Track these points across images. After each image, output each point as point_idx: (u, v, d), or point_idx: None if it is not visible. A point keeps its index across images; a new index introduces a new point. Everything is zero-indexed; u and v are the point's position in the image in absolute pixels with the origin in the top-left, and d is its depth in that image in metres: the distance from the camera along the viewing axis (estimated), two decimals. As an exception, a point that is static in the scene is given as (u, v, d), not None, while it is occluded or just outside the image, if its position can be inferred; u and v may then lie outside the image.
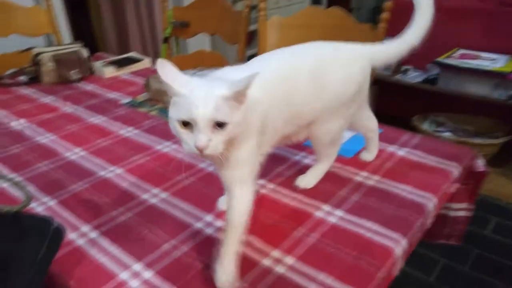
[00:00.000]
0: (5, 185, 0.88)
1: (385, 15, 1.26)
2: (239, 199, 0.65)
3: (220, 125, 0.56)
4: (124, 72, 1.62)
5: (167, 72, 0.57)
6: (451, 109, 2.33)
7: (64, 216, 0.79)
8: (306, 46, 0.78)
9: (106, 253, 0.69)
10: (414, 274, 1.54)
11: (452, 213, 1.03)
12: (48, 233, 0.56)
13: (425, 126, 2.30)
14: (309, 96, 0.73)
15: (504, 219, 1.82)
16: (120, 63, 1.65)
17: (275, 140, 0.75)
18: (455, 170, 0.89)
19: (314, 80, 0.73)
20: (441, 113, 2.35)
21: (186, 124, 0.56)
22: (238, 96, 0.56)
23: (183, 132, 0.57)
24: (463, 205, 1.02)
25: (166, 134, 1.09)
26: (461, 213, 1.03)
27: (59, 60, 1.51)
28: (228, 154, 0.61)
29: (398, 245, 0.69)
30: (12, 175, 0.93)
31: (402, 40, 0.84)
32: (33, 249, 0.55)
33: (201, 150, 0.55)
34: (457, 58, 2.20)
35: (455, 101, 2.27)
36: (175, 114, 0.57)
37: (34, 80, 1.55)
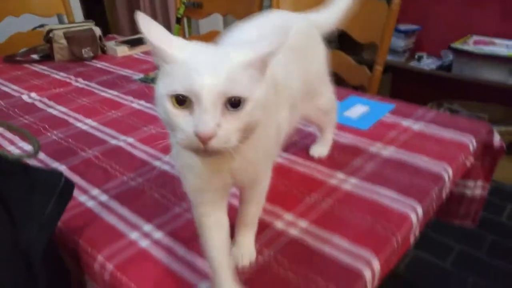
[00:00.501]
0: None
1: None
2: (263, 190, 0.58)
3: (234, 104, 0.40)
4: (137, 52, 1.61)
5: (154, 31, 0.42)
6: (466, 96, 2.29)
7: (74, 180, 0.77)
8: (274, 17, 0.67)
9: (116, 215, 0.68)
10: (429, 259, 1.52)
11: (468, 192, 1.01)
12: (58, 187, 0.55)
13: (439, 113, 2.26)
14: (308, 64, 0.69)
15: (520, 206, 1.79)
16: (133, 43, 1.64)
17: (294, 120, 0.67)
18: (471, 142, 0.87)
19: (304, 52, 0.69)
20: (455, 100, 2.31)
21: (181, 102, 0.40)
22: (263, 62, 0.42)
23: (176, 114, 0.40)
24: (479, 182, 1.00)
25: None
26: (477, 192, 1.01)
27: (71, 38, 1.51)
28: (244, 148, 0.43)
29: (413, 212, 0.67)
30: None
31: (336, 8, 0.79)
32: (42, 202, 0.54)
33: (204, 140, 0.39)
34: (471, 44, 2.16)
35: (470, 88, 2.23)
36: (165, 87, 0.41)
37: (47, 57, 1.55)
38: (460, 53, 2.14)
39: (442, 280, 1.44)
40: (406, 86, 2.45)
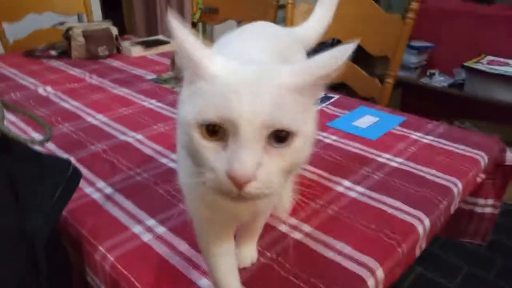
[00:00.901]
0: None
1: (414, 5, 1.22)
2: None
3: (280, 138, 0.33)
4: (151, 53, 1.63)
5: (190, 38, 0.35)
6: (477, 115, 2.27)
7: (81, 171, 0.78)
8: (260, 27, 0.60)
9: (120, 208, 0.68)
10: (435, 279, 1.49)
11: (479, 210, 0.99)
12: (66, 175, 0.55)
13: (450, 132, 2.24)
14: None
15: (531, 229, 1.76)
16: (148, 44, 1.66)
17: None
18: (482, 159, 0.85)
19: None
20: (467, 119, 2.29)
21: (213, 131, 0.33)
22: (316, 87, 0.35)
23: (205, 147, 0.33)
24: (490, 201, 0.98)
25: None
26: (488, 210, 0.99)
27: (88, 36, 1.53)
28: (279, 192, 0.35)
29: (421, 224, 0.66)
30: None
31: (320, 22, 0.72)
32: (50, 190, 0.54)
33: (240, 183, 0.31)
34: (485, 63, 2.15)
35: (482, 107, 2.21)
36: (194, 113, 0.33)
37: (64, 54, 1.57)
38: (474, 72, 2.13)
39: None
40: (416, 103, 2.43)
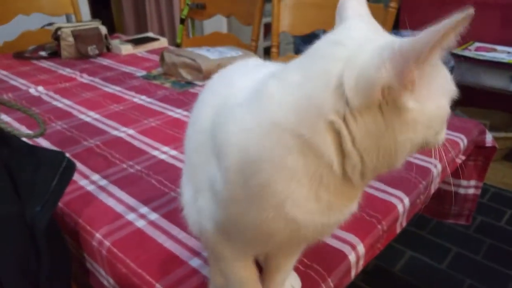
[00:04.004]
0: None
1: (396, -5, 1.25)
2: None
3: None
4: (141, 50, 1.65)
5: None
6: (467, 102, 2.31)
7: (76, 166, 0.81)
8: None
9: (114, 198, 0.71)
10: (425, 261, 1.54)
11: (462, 191, 1.03)
12: (61, 166, 0.58)
13: (439, 118, 2.28)
14: None
15: (519, 211, 1.81)
16: (137, 42, 1.68)
17: None
18: (462, 141, 0.89)
19: None
20: (456, 106, 2.33)
21: None
22: None
23: None
24: (472, 182, 1.02)
25: (179, 103, 1.11)
26: (471, 191, 1.03)
27: (78, 36, 1.55)
28: None
29: (400, 202, 0.69)
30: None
31: None
32: (46, 179, 0.57)
33: None
34: (473, 50, 2.18)
35: (471, 94, 2.24)
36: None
37: (54, 54, 1.59)
38: (462, 59, 2.17)
39: (438, 282, 1.46)
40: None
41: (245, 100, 0.39)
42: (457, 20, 0.31)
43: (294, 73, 0.37)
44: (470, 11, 0.30)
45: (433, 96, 0.35)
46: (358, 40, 0.36)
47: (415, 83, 0.32)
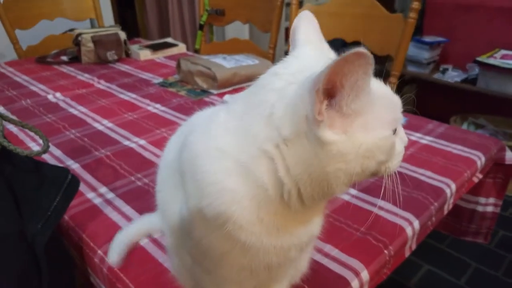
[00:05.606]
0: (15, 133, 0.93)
1: (415, 5, 1.21)
2: None
3: None
4: (159, 56, 1.67)
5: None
6: (491, 110, 2.24)
7: (85, 178, 0.82)
8: None
9: (120, 212, 0.71)
10: (442, 276, 1.49)
11: (480, 208, 0.99)
12: (64, 183, 0.59)
13: (463, 127, 2.21)
14: None
15: (542, 227, 1.73)
16: (156, 47, 1.70)
17: None
18: (479, 159, 0.86)
19: None
20: (480, 114, 2.26)
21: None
22: None
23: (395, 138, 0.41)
24: (491, 199, 0.98)
25: (192, 112, 1.11)
26: (489, 209, 0.99)
27: (97, 41, 1.58)
28: None
29: (409, 225, 0.67)
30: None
31: None
32: (49, 197, 0.58)
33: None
34: (498, 58, 2.11)
35: (496, 102, 2.17)
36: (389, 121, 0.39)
37: (75, 59, 1.62)
38: (487, 67, 2.10)
39: (455, 297, 1.41)
40: (430, 98, 2.41)
41: (199, 127, 0.42)
42: (349, 54, 0.30)
43: (240, 102, 0.40)
44: (362, 50, 0.30)
45: (370, 128, 0.36)
46: (296, 70, 0.37)
47: (323, 115, 0.33)
